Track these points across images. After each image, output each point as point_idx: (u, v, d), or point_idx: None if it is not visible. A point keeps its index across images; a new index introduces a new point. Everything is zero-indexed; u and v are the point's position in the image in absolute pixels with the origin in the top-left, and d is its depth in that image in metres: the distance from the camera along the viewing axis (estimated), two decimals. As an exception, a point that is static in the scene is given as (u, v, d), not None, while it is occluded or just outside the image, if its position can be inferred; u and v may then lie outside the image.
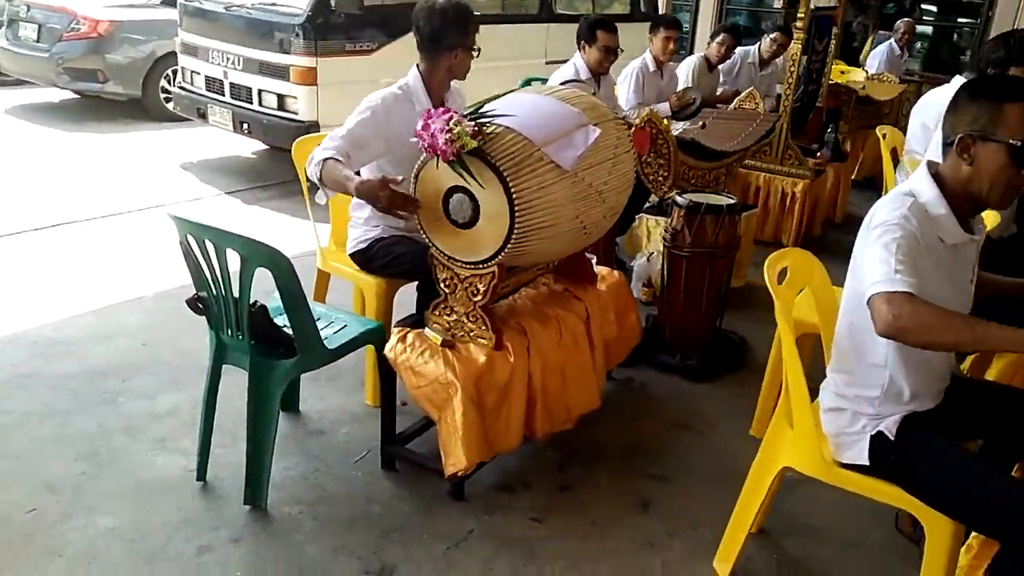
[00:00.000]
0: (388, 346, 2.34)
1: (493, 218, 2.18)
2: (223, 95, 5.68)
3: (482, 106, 2.24)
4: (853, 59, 8.53)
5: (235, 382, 2.34)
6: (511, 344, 2.36)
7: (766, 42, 5.96)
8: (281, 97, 5.33)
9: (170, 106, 6.52)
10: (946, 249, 1.71)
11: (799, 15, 4.62)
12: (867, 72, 7.51)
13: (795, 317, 2.66)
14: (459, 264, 2.32)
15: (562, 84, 3.70)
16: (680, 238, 3.18)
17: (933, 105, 3.83)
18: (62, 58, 6.98)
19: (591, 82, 4.10)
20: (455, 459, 2.20)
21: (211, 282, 2.10)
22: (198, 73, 5.89)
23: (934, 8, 11.51)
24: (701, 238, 3.14)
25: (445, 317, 2.41)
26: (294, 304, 2.09)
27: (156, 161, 6.09)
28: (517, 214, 2.15)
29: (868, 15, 9.63)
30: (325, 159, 2.35)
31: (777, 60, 6.19)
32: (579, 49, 4.12)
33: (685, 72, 5.18)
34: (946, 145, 1.72)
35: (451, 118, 2.11)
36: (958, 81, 3.84)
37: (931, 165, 1.77)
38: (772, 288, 1.93)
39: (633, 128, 3.44)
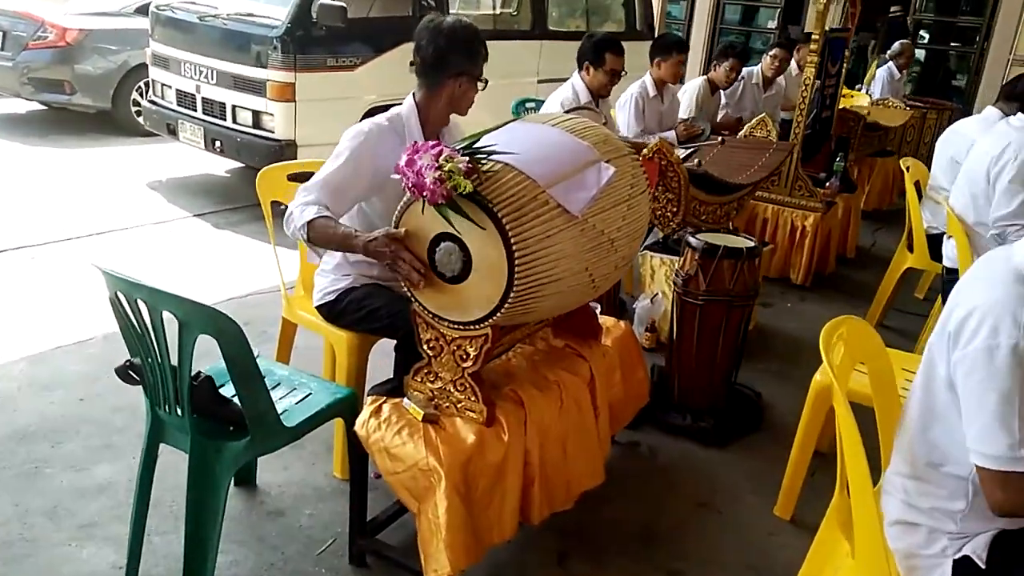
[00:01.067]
0: (359, 421, 1.97)
1: (488, 272, 1.83)
2: (195, 110, 5.31)
3: (477, 139, 1.89)
4: (848, 82, 8.29)
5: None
6: (505, 418, 2.00)
7: (767, 60, 5.67)
8: (256, 114, 4.97)
9: (142, 120, 6.14)
10: None
11: (813, 36, 4.32)
12: (870, 96, 7.26)
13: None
14: (446, 324, 1.96)
15: (568, 111, 3.35)
16: (693, 284, 2.84)
17: (964, 137, 3.54)
18: (27, 67, 6.58)
19: (591, 105, 3.76)
20: (437, 564, 1.83)
21: (145, 348, 1.73)
22: (169, 87, 5.52)
23: (924, 33, 11.39)
24: (717, 284, 2.80)
25: (428, 384, 2.05)
26: (244, 377, 1.72)
27: (122, 179, 5.69)
28: (517, 268, 1.79)
29: (876, 37, 9.41)
30: (311, 220, 2.01)
31: (780, 80, 5.93)
32: (581, 70, 3.79)
33: (689, 97, 4.87)
34: None
35: (441, 153, 1.76)
36: (991, 113, 3.55)
37: None
38: (831, 371, 1.58)
39: (641, 159, 3.10)
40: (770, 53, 5.66)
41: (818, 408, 2.34)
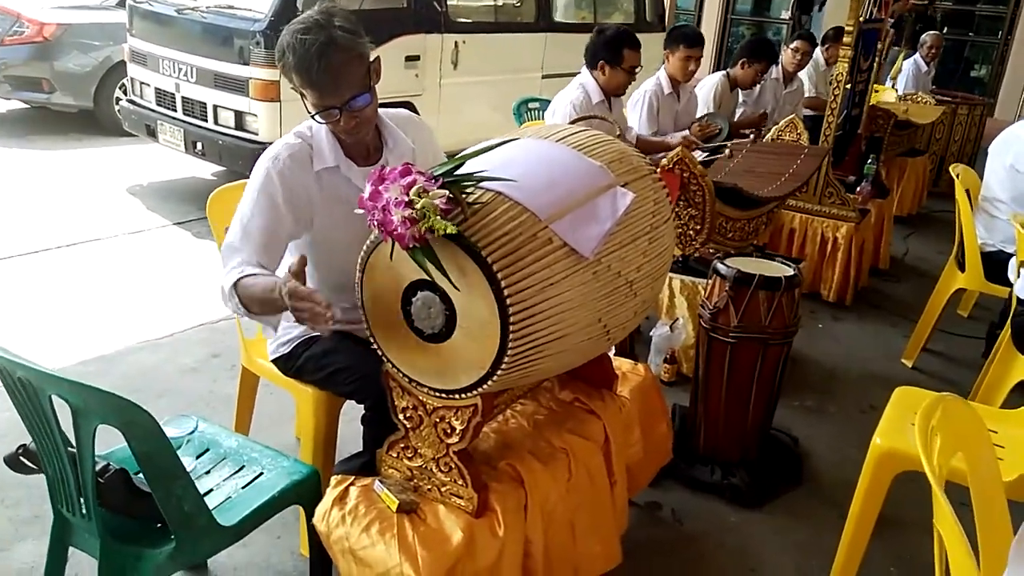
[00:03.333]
0: (319, 511, 1.59)
1: (476, 330, 1.45)
2: (175, 111, 4.94)
3: (462, 163, 1.50)
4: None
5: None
6: (501, 505, 1.62)
7: (787, 54, 5.23)
8: (239, 114, 4.59)
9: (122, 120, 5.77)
10: None
11: (847, 27, 3.90)
12: (897, 92, 6.82)
13: (895, 447, 1.94)
14: (426, 391, 1.58)
15: (575, 120, 2.96)
16: (723, 318, 2.45)
17: (1027, 143, 3.12)
18: (3, 65, 6.20)
19: (604, 106, 3.36)
20: None
21: (38, 433, 1.35)
22: (148, 85, 5.14)
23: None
24: (751, 319, 2.41)
25: (406, 462, 1.67)
26: (161, 478, 1.34)
27: (100, 184, 5.32)
28: (513, 326, 1.42)
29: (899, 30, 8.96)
30: (234, 283, 1.61)
31: (800, 75, 5.50)
32: (594, 67, 3.37)
33: (706, 94, 4.44)
34: None
35: (413, 184, 1.38)
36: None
37: None
38: (928, 467, 1.19)
39: (659, 170, 2.71)
40: (791, 46, 5.22)
41: (879, 478, 1.95)
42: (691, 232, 2.92)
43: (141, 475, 1.37)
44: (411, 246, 1.38)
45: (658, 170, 2.70)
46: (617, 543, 2.01)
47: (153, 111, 5.09)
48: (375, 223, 1.40)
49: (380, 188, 1.39)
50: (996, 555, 1.33)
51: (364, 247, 1.52)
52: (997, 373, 2.65)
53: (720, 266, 2.48)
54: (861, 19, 3.98)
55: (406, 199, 1.36)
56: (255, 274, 1.63)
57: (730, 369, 2.46)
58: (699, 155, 3.67)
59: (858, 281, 4.12)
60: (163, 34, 4.93)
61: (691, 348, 2.96)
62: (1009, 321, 2.64)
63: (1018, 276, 2.62)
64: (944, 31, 10.34)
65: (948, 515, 1.16)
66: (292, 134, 1.84)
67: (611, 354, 2.17)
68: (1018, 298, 2.57)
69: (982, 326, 3.73)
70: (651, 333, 3.17)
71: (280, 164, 1.76)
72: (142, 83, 5.20)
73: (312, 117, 1.74)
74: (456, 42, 5.29)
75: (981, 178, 3.43)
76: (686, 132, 3.97)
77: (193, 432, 1.72)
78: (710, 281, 2.55)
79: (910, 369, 3.48)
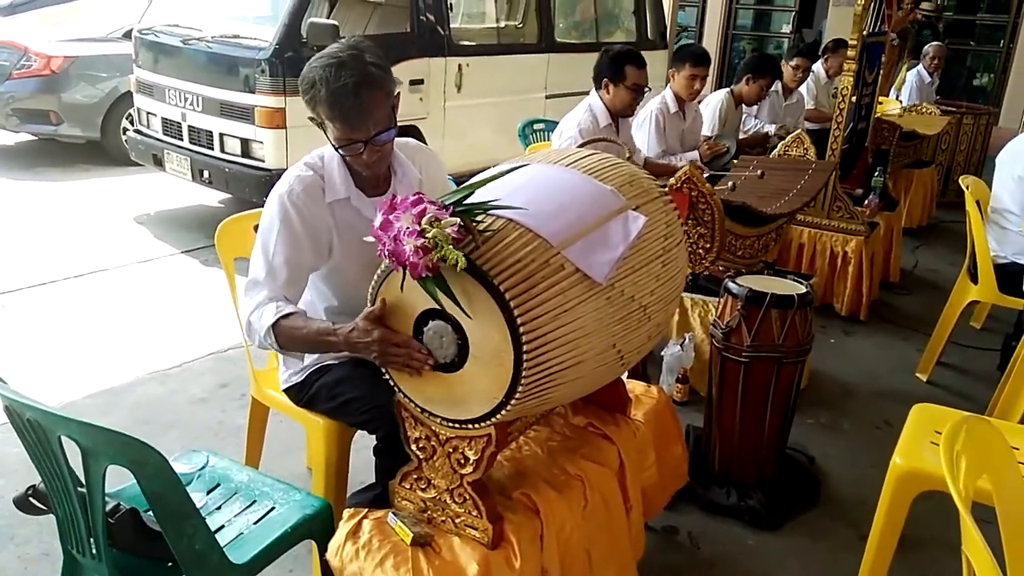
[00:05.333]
0: (333, 546, 1.57)
1: (489, 359, 1.44)
2: (181, 139, 4.97)
3: (472, 191, 1.49)
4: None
5: None
6: (516, 536, 1.60)
7: (787, 70, 5.24)
8: (245, 142, 4.62)
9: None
10: None
11: (851, 41, 3.90)
12: (901, 103, 6.82)
13: (915, 466, 1.91)
14: (438, 421, 1.56)
15: (583, 144, 2.95)
16: (736, 338, 2.42)
17: (1040, 154, 3.10)
18: (11, 98, 6.26)
19: (611, 129, 3.36)
20: None
21: (47, 473, 1.34)
22: (154, 115, 5.17)
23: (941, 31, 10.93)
24: (764, 338, 2.38)
25: (419, 493, 1.65)
26: (172, 517, 1.32)
27: (108, 214, 5.34)
28: (527, 354, 1.40)
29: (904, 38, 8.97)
30: (273, 323, 1.63)
31: (800, 88, 5.54)
32: (599, 88, 3.37)
33: (712, 111, 4.44)
34: None
35: (424, 212, 1.37)
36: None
37: None
38: (955, 492, 1.17)
39: (668, 190, 2.71)
40: (792, 63, 5.23)
41: (899, 499, 1.91)
42: (701, 250, 2.90)
43: (151, 513, 1.35)
44: (423, 276, 1.37)
45: (667, 190, 2.71)
46: (634, 570, 1.98)
47: (160, 140, 5.12)
48: (387, 253, 1.39)
49: (391, 217, 1.39)
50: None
51: (375, 277, 1.51)
52: (1015, 387, 2.62)
53: (731, 285, 2.47)
54: (864, 32, 3.98)
55: (418, 228, 1.35)
56: (296, 313, 1.65)
57: (744, 389, 2.44)
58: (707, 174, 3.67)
59: (870, 295, 4.09)
60: (169, 64, 4.97)
61: (703, 366, 2.94)
62: (1025, 335, 2.62)
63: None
64: (946, 41, 10.39)
65: (977, 541, 1.13)
66: (303, 164, 1.84)
67: (624, 377, 2.15)
68: (1034, 311, 2.55)
69: (997, 338, 3.69)
70: (663, 353, 3.14)
71: (295, 196, 1.76)
72: (148, 113, 5.23)
73: (336, 149, 1.74)
74: (460, 65, 5.31)
75: (989, 188, 3.41)
76: (695, 154, 3.97)
77: (204, 468, 1.70)
78: (721, 300, 2.53)
79: (925, 383, 3.44)
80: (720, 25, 12.01)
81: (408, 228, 1.36)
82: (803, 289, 2.44)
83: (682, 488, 2.32)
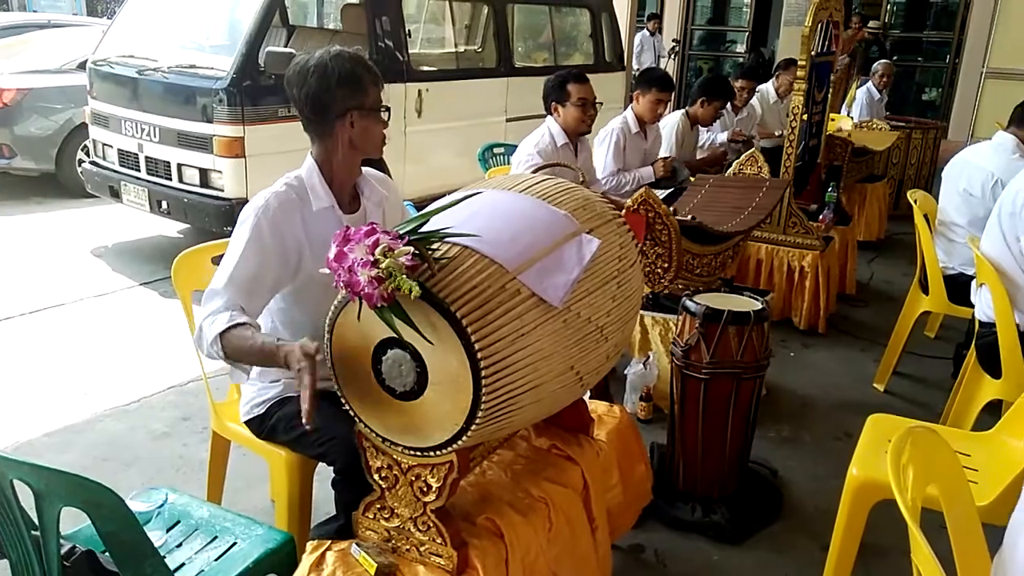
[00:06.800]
0: (296, 581, 1.56)
1: (449, 386, 1.44)
2: (138, 171, 4.92)
3: (427, 219, 1.51)
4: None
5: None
6: (481, 563, 1.60)
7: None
8: (204, 172, 4.58)
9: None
10: None
11: (800, 62, 4.00)
12: (852, 119, 7.00)
13: (871, 476, 1.95)
14: (400, 450, 1.56)
15: (538, 169, 2.99)
16: (695, 355, 2.46)
17: (980, 169, 3.21)
18: (-37, 132, 6.16)
19: (568, 149, 3.41)
20: None
21: (1, 520, 1.31)
22: (110, 146, 5.11)
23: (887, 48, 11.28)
24: (723, 355, 2.43)
25: (383, 523, 1.64)
26: (127, 557, 1.31)
27: (64, 247, 5.26)
28: (486, 379, 1.41)
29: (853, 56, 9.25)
30: (223, 331, 1.62)
31: (753, 102, 5.71)
32: (551, 112, 3.45)
33: (668, 133, 4.52)
34: None
35: (377, 242, 1.38)
36: (1006, 140, 3.24)
37: None
38: (902, 503, 1.21)
39: (624, 212, 2.75)
40: (736, 84, 5.40)
41: (857, 509, 1.96)
42: (659, 270, 2.95)
43: (108, 554, 1.33)
44: (379, 305, 1.38)
45: (623, 212, 2.76)
46: (602, 590, 1.99)
47: (116, 172, 5.06)
48: (342, 284, 1.40)
49: (345, 249, 1.40)
50: (976, 581, 1.34)
51: (331, 308, 1.52)
52: (966, 395, 2.70)
53: (689, 303, 2.51)
54: (813, 53, 4.09)
55: (371, 259, 1.36)
56: (246, 324, 1.64)
57: (705, 405, 2.47)
58: (661, 193, 3.73)
59: (827, 308, 4.18)
60: (124, 95, 4.93)
61: (666, 384, 2.97)
62: (974, 344, 2.69)
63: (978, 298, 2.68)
64: (894, 58, 10.71)
65: (924, 549, 1.16)
66: (280, 183, 1.86)
67: (586, 397, 2.17)
68: (980, 320, 2.62)
69: (949, 347, 3.79)
70: (626, 371, 3.17)
71: (270, 213, 1.78)
72: (104, 144, 5.17)
73: (377, 114, 1.85)
74: (419, 90, 5.35)
75: (938, 201, 3.52)
76: (649, 170, 4.04)
77: (163, 505, 1.68)
78: (680, 318, 2.57)
79: (882, 393, 3.51)
80: (670, 44, 12.22)
81: (362, 259, 1.37)
82: (759, 305, 2.49)
83: (648, 506, 2.35)
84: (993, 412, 2.54)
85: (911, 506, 1.24)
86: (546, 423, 2.04)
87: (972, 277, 2.80)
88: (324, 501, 2.04)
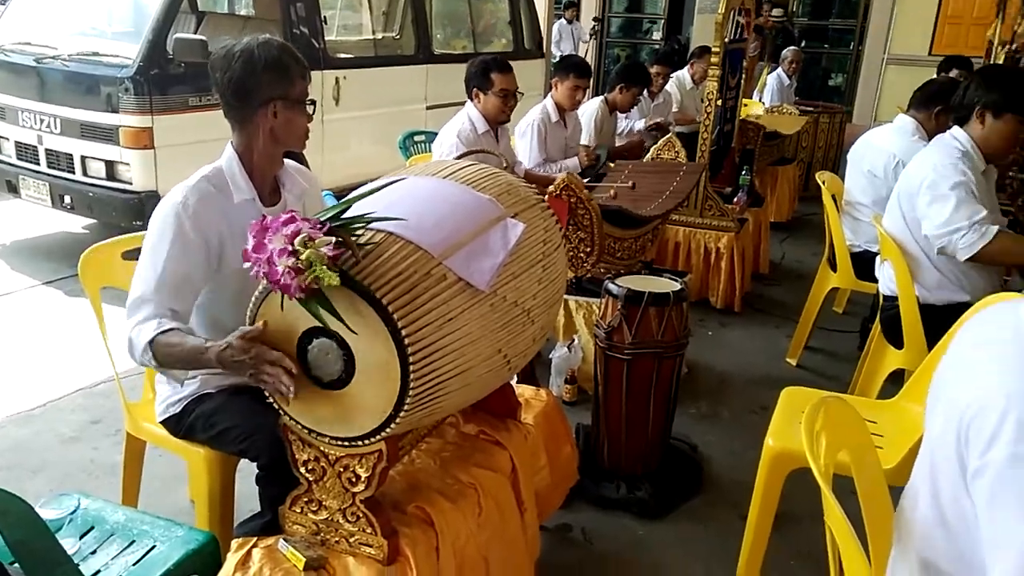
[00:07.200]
0: (222, 578, 1.53)
1: (376, 373, 1.44)
2: (38, 164, 4.66)
3: (348, 206, 1.49)
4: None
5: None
6: (412, 550, 1.60)
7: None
8: (110, 164, 4.38)
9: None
10: None
11: (713, 49, 4.11)
12: (764, 105, 7.23)
13: (786, 447, 2.04)
14: (327, 440, 1.54)
15: (462, 155, 2.98)
16: (618, 337, 2.51)
17: (881, 151, 3.37)
18: None
19: (490, 136, 3.41)
20: None
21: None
22: (6, 139, 4.83)
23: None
24: (645, 335, 2.48)
25: (311, 515, 1.62)
26: (38, 566, 1.25)
27: (-41, 246, 4.96)
28: (413, 365, 1.41)
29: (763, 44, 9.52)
30: (152, 339, 1.58)
31: (669, 87, 5.85)
32: (472, 98, 3.43)
33: (588, 120, 4.57)
34: None
35: (296, 232, 1.35)
36: (906, 123, 3.40)
37: None
38: (816, 469, 1.27)
39: (547, 197, 2.77)
40: (652, 71, 5.52)
41: (773, 478, 2.04)
42: (582, 254, 2.99)
43: (17, 565, 1.27)
44: (301, 296, 1.36)
45: (546, 198, 2.78)
46: (531, 571, 2.02)
47: (13, 166, 4.79)
48: (260, 275, 1.37)
49: (263, 239, 1.37)
50: (883, 539, 1.41)
51: (253, 297, 1.49)
52: (872, 366, 2.83)
53: (611, 286, 2.55)
54: (726, 40, 4.20)
55: (290, 249, 1.33)
56: (176, 329, 1.60)
57: (628, 385, 2.53)
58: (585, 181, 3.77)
59: (743, 287, 4.32)
60: (21, 85, 4.66)
61: (590, 366, 3.02)
62: (878, 317, 2.83)
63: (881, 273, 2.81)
64: (802, 45, 11.09)
65: (836, 511, 1.22)
66: (196, 177, 1.80)
67: (513, 382, 2.18)
68: (884, 294, 2.76)
69: (856, 321, 3.97)
70: (551, 355, 3.21)
71: (191, 209, 1.72)
72: (0, 137, 4.89)
73: (302, 106, 1.81)
74: (337, 78, 5.25)
75: (844, 182, 3.67)
76: (575, 161, 4.08)
77: (75, 511, 1.61)
78: (603, 301, 2.62)
79: (795, 367, 3.66)
80: (589, 32, 12.35)
81: (280, 249, 1.34)
82: (678, 286, 2.56)
83: (575, 486, 2.39)
84: (897, 381, 2.67)
85: (824, 472, 1.30)
86: (474, 409, 2.05)
87: (876, 254, 2.93)
88: (248, 498, 1.99)
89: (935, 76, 4.47)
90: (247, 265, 1.39)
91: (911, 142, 3.25)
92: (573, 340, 3.21)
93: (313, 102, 1.86)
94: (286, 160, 1.96)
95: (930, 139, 2.88)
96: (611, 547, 2.37)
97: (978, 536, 1.09)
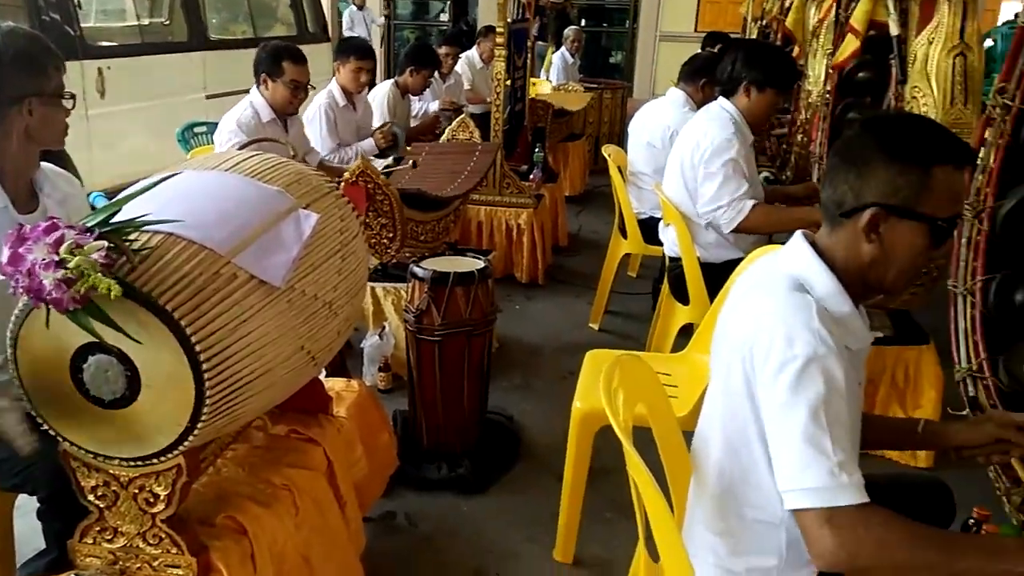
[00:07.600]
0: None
1: (166, 386, 1.34)
2: None
3: (119, 208, 1.37)
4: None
5: None
6: (224, 563, 1.52)
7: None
8: None
9: None
10: (850, 359, 1.23)
11: (499, 29, 4.19)
12: (551, 83, 7.51)
13: (592, 407, 2.15)
14: (116, 463, 1.43)
15: (245, 144, 2.83)
16: (427, 319, 2.52)
17: (658, 123, 3.62)
18: None
19: (277, 124, 3.26)
20: None
21: None
22: None
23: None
24: (453, 315, 2.51)
25: (105, 545, 1.50)
26: None
27: None
28: (207, 373, 1.33)
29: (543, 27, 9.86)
30: None
31: (457, 69, 5.94)
32: (259, 84, 3.24)
33: (379, 103, 4.51)
34: (841, 215, 1.24)
35: (61, 239, 1.23)
36: (677, 96, 3.66)
37: (806, 236, 1.29)
38: (615, 424, 1.35)
39: (343, 185, 2.72)
40: (441, 51, 5.58)
41: (583, 438, 2.15)
42: (385, 240, 2.96)
43: None
44: (72, 309, 1.24)
45: (342, 185, 2.72)
46: (357, 563, 2.00)
47: None
48: (22, 290, 1.23)
49: (21, 250, 1.23)
50: (682, 481, 1.54)
51: (12, 318, 1.33)
52: (663, 323, 3.06)
53: (416, 269, 2.56)
54: (509, 20, 4.30)
55: (56, 259, 1.21)
56: None
57: (441, 365, 2.55)
58: (380, 164, 3.73)
59: (544, 261, 4.49)
60: None
61: (403, 352, 3.02)
62: (666, 277, 3.05)
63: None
64: (582, 24, 11.61)
65: (636, 461, 1.31)
66: None
67: (323, 376, 2.13)
68: (669, 256, 2.98)
69: (648, 283, 4.25)
70: (362, 345, 3.17)
71: None
72: None
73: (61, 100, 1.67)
74: (99, 68, 4.80)
75: (628, 154, 3.90)
76: (370, 142, 4.00)
77: None
78: (410, 285, 2.61)
79: (598, 332, 3.87)
80: (381, 16, 12.21)
81: (44, 259, 1.21)
82: (482, 264, 2.61)
83: (396, 472, 2.38)
84: (687, 335, 2.90)
85: (623, 426, 1.39)
86: (282, 409, 1.97)
87: (660, 219, 3.15)
88: (32, 536, 1.80)
89: (699, 51, 4.85)
90: (1, 279, 1.24)
91: (682, 113, 3.52)
92: (384, 327, 3.18)
93: (72, 96, 1.70)
94: (47, 165, 1.78)
95: (698, 109, 3.13)
96: (436, 527, 2.39)
97: (762, 455, 1.23)
